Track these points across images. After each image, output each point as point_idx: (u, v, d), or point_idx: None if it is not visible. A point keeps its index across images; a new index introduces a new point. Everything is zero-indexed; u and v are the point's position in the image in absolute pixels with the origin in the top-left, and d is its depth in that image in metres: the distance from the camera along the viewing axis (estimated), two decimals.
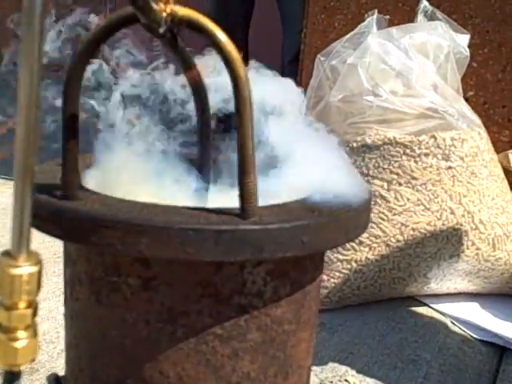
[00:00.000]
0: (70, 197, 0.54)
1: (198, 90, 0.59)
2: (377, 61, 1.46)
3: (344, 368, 1.26)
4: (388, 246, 1.40)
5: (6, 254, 0.43)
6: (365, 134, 1.45)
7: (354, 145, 1.47)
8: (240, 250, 0.50)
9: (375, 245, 1.40)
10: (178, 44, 0.53)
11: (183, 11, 0.50)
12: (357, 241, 1.44)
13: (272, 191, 0.58)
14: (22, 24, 0.37)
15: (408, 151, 1.41)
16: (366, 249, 1.41)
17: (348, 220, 0.55)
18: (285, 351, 0.59)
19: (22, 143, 0.41)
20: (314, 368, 1.26)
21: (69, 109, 0.52)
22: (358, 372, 1.26)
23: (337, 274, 1.44)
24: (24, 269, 0.42)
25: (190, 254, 0.50)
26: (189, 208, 0.53)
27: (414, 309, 1.48)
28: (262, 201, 0.54)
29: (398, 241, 1.39)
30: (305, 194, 0.58)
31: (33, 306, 0.44)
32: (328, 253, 1.46)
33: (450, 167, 1.39)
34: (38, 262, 0.44)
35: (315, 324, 0.65)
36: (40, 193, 0.54)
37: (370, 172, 1.43)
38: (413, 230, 1.39)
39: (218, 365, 0.56)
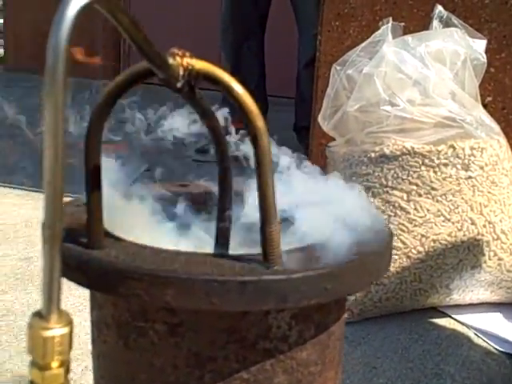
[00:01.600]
0: (95, 246, 0.54)
1: (218, 140, 0.59)
2: (393, 70, 1.45)
3: (367, 383, 1.26)
4: (409, 257, 1.39)
5: (38, 315, 0.44)
6: (383, 144, 1.45)
7: (373, 155, 1.46)
8: (264, 300, 0.51)
9: (396, 257, 1.40)
10: (196, 96, 0.53)
11: (200, 64, 0.50)
12: None
13: (292, 234, 0.58)
14: (44, 97, 0.38)
15: (427, 161, 1.40)
16: None
17: (371, 264, 0.55)
18: None
19: (48, 207, 0.42)
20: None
21: (91, 161, 0.52)
22: None
23: None
24: (56, 330, 0.43)
25: (215, 304, 0.50)
26: (212, 255, 0.54)
27: (436, 320, 1.47)
28: (284, 245, 0.54)
29: (419, 252, 1.39)
30: (324, 237, 0.58)
31: (65, 364, 0.44)
32: None
33: (469, 177, 1.39)
34: (69, 322, 0.44)
35: (340, 362, 0.65)
36: (66, 240, 0.55)
37: (389, 183, 1.43)
38: (433, 241, 1.39)
39: None
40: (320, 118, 1.60)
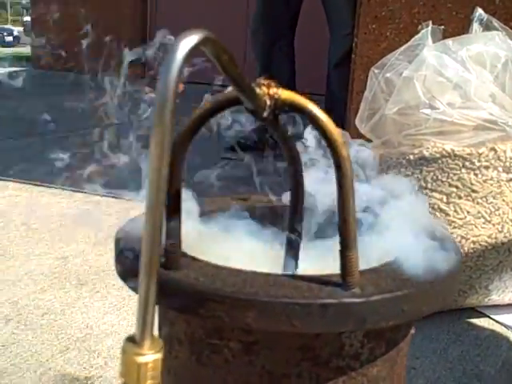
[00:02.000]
0: (173, 266, 0.56)
1: (295, 169, 0.60)
2: (433, 73, 1.45)
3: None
4: None
5: (131, 340, 0.45)
6: (422, 147, 1.45)
7: (411, 157, 1.47)
8: (344, 322, 0.52)
9: None
10: (279, 123, 0.54)
11: (286, 94, 0.51)
12: None
13: (363, 253, 0.59)
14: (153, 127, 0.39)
15: (467, 164, 1.41)
16: None
17: (444, 286, 0.56)
18: None
19: (147, 240, 0.43)
20: None
21: (173, 187, 0.53)
22: None
23: None
24: (149, 356, 0.44)
25: (296, 326, 0.51)
26: (288, 276, 0.55)
27: (474, 320, 1.48)
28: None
29: None
30: (400, 255, 0.59)
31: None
32: None
33: (511, 179, 1.39)
34: (161, 347, 0.46)
35: (405, 377, 0.66)
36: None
37: (429, 185, 1.43)
38: (473, 242, 1.39)
39: None
40: (357, 121, 1.61)
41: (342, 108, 2.32)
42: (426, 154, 1.44)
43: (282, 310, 0.51)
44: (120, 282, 0.61)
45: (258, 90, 0.50)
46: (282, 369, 0.56)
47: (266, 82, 0.51)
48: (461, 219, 1.40)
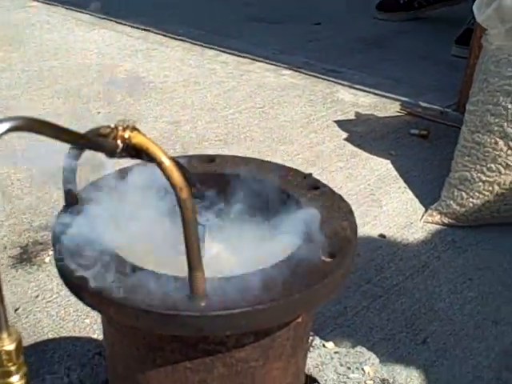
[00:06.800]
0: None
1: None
2: None
3: (459, 295, 1.30)
4: None
5: None
6: None
7: None
8: (182, 329, 0.62)
9: None
10: (142, 157, 0.60)
11: (137, 139, 0.57)
12: (503, 163, 1.39)
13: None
14: None
15: None
16: None
17: (296, 302, 0.63)
18: (253, 380, 0.70)
19: None
20: (428, 289, 1.31)
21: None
22: (470, 302, 1.28)
23: (477, 194, 1.43)
24: (5, 347, 0.58)
25: (145, 326, 0.62)
26: (157, 277, 0.64)
27: None
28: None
29: None
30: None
31: (16, 365, 0.59)
32: (471, 171, 1.44)
33: None
34: (17, 337, 0.59)
35: (297, 352, 0.74)
36: None
37: None
38: None
39: None
40: (475, 7, 1.49)
41: None
42: None
43: (131, 312, 0.62)
44: None
45: (105, 143, 0.56)
46: (158, 343, 0.68)
47: (124, 125, 0.57)
48: None
